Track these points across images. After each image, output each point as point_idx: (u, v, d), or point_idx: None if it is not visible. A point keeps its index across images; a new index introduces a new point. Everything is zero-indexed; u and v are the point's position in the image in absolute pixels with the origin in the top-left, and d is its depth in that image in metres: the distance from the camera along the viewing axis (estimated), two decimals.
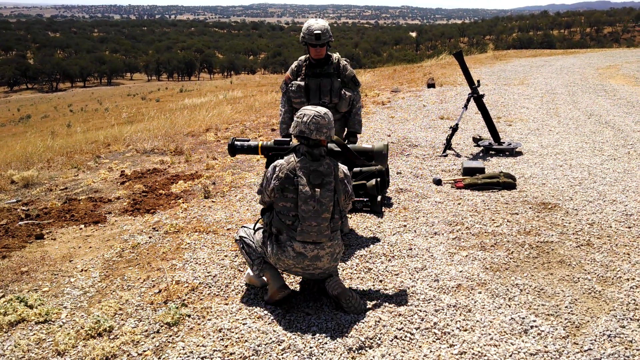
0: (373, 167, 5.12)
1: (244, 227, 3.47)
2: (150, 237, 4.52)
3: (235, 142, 3.68)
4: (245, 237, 3.38)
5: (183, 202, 5.45)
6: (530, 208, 4.88)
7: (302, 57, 4.48)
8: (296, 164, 3.11)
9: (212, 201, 5.47)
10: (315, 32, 4.11)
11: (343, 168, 3.20)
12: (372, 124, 9.18)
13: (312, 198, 3.07)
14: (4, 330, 3.06)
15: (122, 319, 3.18)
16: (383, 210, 4.94)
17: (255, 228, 3.39)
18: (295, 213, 3.10)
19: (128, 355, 2.79)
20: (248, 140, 3.67)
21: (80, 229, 4.88)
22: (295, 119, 3.17)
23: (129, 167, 7.25)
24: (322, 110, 3.14)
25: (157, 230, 4.68)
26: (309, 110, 3.13)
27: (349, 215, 4.81)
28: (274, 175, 3.12)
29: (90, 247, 4.40)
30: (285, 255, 3.12)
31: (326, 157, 3.19)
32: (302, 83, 4.34)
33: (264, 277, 3.40)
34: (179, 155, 7.82)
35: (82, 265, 4.02)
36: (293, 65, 4.50)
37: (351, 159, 3.49)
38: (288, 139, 3.52)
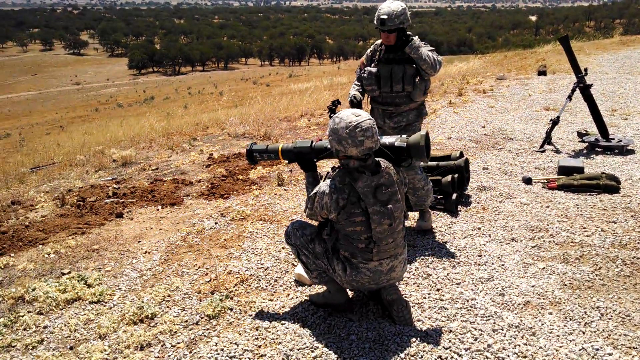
0: (451, 162, 4.74)
1: (296, 229, 3.05)
2: (216, 223, 4.54)
3: (254, 150, 3.20)
4: (302, 247, 2.99)
5: (257, 189, 5.44)
6: (632, 217, 4.22)
7: (379, 41, 4.17)
8: (356, 184, 2.70)
9: (285, 189, 5.41)
10: (380, 16, 3.76)
11: (393, 168, 2.88)
12: (467, 113, 8.61)
13: (384, 216, 2.74)
14: (60, 307, 3.20)
15: (167, 306, 3.19)
16: (459, 209, 4.55)
17: (312, 238, 2.99)
18: (367, 235, 2.75)
19: (162, 346, 2.78)
20: (267, 146, 3.20)
21: (157, 210, 5.04)
22: (350, 135, 2.65)
23: (218, 151, 7.43)
24: (361, 111, 2.76)
25: (225, 217, 4.69)
26: (365, 120, 2.67)
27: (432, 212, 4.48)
28: (332, 203, 2.71)
29: (161, 229, 4.52)
30: (360, 276, 2.82)
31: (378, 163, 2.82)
32: (374, 70, 4.06)
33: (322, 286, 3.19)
34: (267, 140, 7.87)
35: (148, 247, 4.13)
36: (369, 50, 4.22)
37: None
38: (310, 142, 3.07)
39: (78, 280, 3.46)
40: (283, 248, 3.96)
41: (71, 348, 2.80)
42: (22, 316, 3.10)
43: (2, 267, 3.79)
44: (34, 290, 3.35)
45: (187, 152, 7.50)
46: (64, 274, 3.64)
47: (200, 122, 10.56)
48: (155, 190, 5.70)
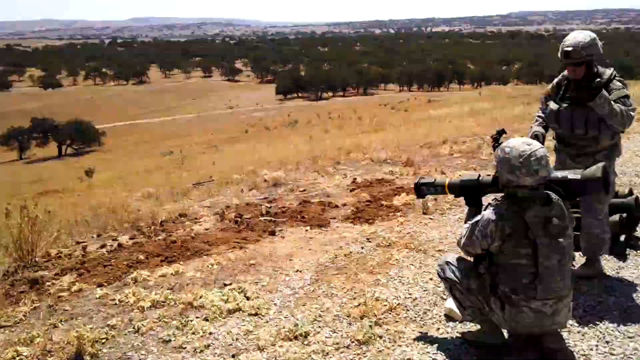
0: (618, 200, 4.32)
1: (449, 262, 3.00)
2: (362, 248, 4.62)
3: (422, 183, 3.28)
4: (456, 282, 2.91)
5: (401, 216, 5.44)
6: None
7: (566, 72, 3.74)
8: (525, 213, 2.59)
9: (430, 218, 5.34)
10: (564, 48, 3.43)
11: (562, 202, 2.72)
12: (631, 144, 7.81)
13: (554, 250, 2.59)
14: (223, 316, 3.47)
15: (319, 326, 3.30)
16: (628, 253, 4.12)
17: (466, 273, 2.90)
18: (533, 270, 2.62)
19: None
20: (434, 180, 3.26)
21: (306, 230, 5.26)
22: (524, 165, 2.58)
23: (361, 175, 7.58)
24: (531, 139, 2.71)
25: (371, 242, 4.76)
26: (539, 149, 2.60)
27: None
28: (498, 231, 2.63)
29: (310, 249, 4.71)
30: (520, 317, 2.67)
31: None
32: (555, 107, 3.69)
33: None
34: (409, 167, 7.86)
35: (299, 265, 4.33)
36: (555, 80, 3.84)
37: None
38: (477, 175, 3.02)
39: (238, 292, 3.73)
40: (431, 279, 3.90)
41: (233, 356, 3.02)
42: (191, 321, 3.42)
43: (174, 273, 4.22)
44: (201, 297, 3.69)
45: (331, 176, 7.75)
46: (226, 285, 3.95)
47: (342, 146, 10.89)
48: (303, 211, 5.97)
